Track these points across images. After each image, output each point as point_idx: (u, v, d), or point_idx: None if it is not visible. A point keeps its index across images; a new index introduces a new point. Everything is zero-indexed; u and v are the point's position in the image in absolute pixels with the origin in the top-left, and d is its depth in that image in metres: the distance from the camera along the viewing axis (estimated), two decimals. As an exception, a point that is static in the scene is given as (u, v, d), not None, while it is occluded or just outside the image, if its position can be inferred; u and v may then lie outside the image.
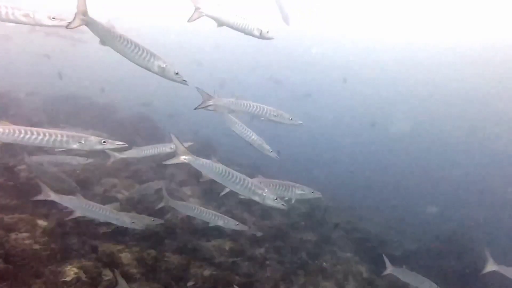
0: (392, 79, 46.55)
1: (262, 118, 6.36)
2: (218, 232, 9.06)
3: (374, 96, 43.08)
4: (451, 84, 42.81)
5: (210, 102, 5.98)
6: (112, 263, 6.42)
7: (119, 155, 8.52)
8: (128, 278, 6.28)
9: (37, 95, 15.76)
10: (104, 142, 4.79)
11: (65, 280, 5.58)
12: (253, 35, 5.68)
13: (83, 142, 4.74)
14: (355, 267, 9.49)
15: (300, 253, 9.23)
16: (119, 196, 8.71)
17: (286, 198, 6.53)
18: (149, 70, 4.55)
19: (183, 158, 5.27)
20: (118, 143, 4.85)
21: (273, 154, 7.14)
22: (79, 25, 4.20)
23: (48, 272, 5.60)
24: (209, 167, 5.44)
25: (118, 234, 7.48)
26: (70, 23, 4.26)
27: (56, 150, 5.03)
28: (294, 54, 43.07)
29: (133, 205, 8.52)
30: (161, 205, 7.24)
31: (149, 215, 8.33)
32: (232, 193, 11.67)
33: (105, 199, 8.30)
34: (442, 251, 11.81)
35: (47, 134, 4.64)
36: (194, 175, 11.49)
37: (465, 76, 42.41)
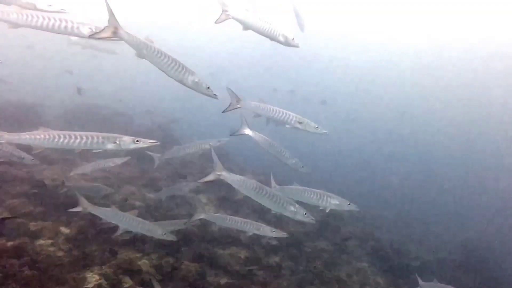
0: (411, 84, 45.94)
1: (287, 126, 6.35)
2: (233, 240, 9.14)
3: (389, 101, 42.56)
4: (473, 85, 41.91)
5: (238, 105, 5.98)
6: (131, 270, 6.54)
7: (163, 157, 8.99)
8: (145, 285, 6.41)
9: (58, 104, 16.26)
10: (137, 141, 5.01)
11: (87, 287, 5.74)
12: (278, 41, 5.71)
13: (117, 143, 4.97)
14: (372, 278, 9.40)
15: (315, 262, 9.20)
16: (137, 203, 8.88)
17: (321, 208, 6.60)
18: (183, 83, 4.73)
19: (219, 174, 5.58)
20: (150, 142, 5.06)
21: (305, 169, 7.26)
22: (108, 38, 4.37)
23: (71, 279, 5.76)
24: (243, 183, 5.72)
25: (137, 241, 7.62)
26: (96, 33, 4.46)
27: (93, 151, 5.22)
28: (305, 60, 43.14)
29: (150, 213, 8.68)
30: (195, 217, 7.22)
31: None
32: (246, 201, 11.79)
33: (124, 207, 8.48)
34: (460, 262, 11.57)
35: (84, 137, 4.90)
36: (209, 183, 11.65)
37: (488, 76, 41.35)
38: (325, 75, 47.34)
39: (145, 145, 5.07)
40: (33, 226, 6.70)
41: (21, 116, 11.43)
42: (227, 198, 10.96)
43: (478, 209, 20.50)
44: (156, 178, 10.37)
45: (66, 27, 4.88)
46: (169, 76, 4.67)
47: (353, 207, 6.71)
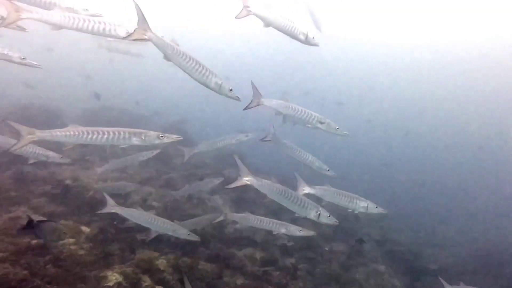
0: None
1: (308, 125, 6.32)
2: (249, 241, 9.19)
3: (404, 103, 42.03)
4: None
5: (260, 102, 5.97)
6: (150, 269, 6.66)
7: (193, 151, 9.23)
8: (164, 284, 6.52)
9: (76, 107, 16.65)
10: (161, 136, 5.18)
11: (108, 285, 5.87)
12: (299, 39, 5.68)
13: (143, 138, 5.16)
14: (389, 280, 9.29)
15: (331, 263, 9.16)
16: (155, 204, 9.03)
17: (350, 210, 6.61)
18: (206, 86, 4.84)
19: (246, 180, 5.72)
20: (175, 137, 5.23)
21: (331, 172, 7.27)
22: (139, 40, 4.52)
23: (92, 277, 5.90)
24: (269, 188, 5.85)
25: (155, 241, 7.75)
26: (129, 35, 4.60)
27: (120, 147, 5.43)
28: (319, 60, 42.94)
29: (168, 213, 8.81)
30: (220, 218, 7.43)
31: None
32: (260, 203, 11.81)
33: (143, 208, 8.63)
34: (480, 265, 11.30)
35: (112, 132, 5.10)
36: (224, 184, 11.74)
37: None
38: (340, 76, 47.01)
39: (169, 140, 5.22)
40: (28, 214, 6.87)
41: (43, 119, 11.79)
42: (242, 199, 11.03)
43: (497, 211, 19.97)
44: (173, 179, 10.52)
45: (104, 29, 5.04)
46: (193, 78, 4.78)
47: (380, 210, 6.66)
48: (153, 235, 6.73)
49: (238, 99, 5.01)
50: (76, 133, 5.06)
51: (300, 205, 5.91)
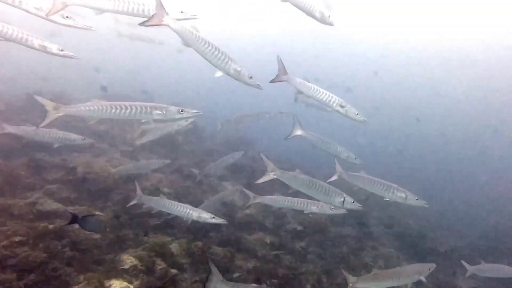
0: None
1: (328, 109, 6.18)
2: (259, 225, 9.29)
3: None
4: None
5: (284, 78, 5.84)
6: (163, 253, 6.79)
7: (225, 126, 10.33)
8: (178, 267, 6.66)
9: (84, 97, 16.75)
10: (181, 111, 5.27)
11: (124, 268, 6.01)
12: (314, 17, 5.58)
13: (164, 112, 5.23)
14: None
15: (341, 247, 9.25)
16: (166, 190, 9.12)
17: (387, 199, 6.63)
18: (226, 72, 4.81)
19: (273, 174, 6.07)
20: (194, 112, 5.31)
21: (358, 161, 7.31)
22: (157, 25, 4.52)
23: (108, 259, 6.05)
24: (294, 179, 6.16)
25: (167, 226, 7.90)
26: (146, 21, 4.57)
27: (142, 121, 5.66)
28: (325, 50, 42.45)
29: (179, 199, 8.90)
30: (250, 202, 7.57)
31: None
32: (271, 189, 11.85)
33: (153, 193, 8.74)
34: (490, 247, 11.35)
35: (134, 107, 5.18)
36: (233, 170, 11.83)
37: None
38: (348, 64, 46.44)
39: (189, 115, 5.34)
40: (70, 210, 7.01)
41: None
42: (251, 185, 11.10)
43: (506, 195, 19.93)
44: (183, 165, 10.59)
45: (143, 10, 4.95)
46: (212, 64, 4.75)
47: (421, 202, 6.54)
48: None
49: (258, 86, 4.93)
50: (100, 107, 5.11)
51: (326, 193, 6.09)
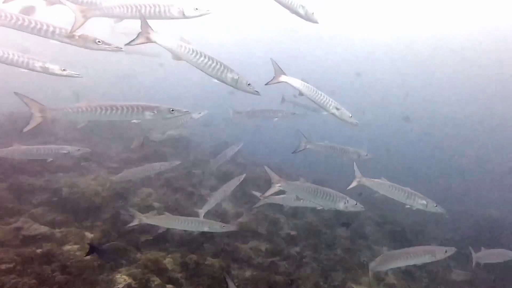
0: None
1: (324, 113, 6.19)
2: (253, 233, 9.22)
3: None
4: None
5: (282, 79, 5.76)
6: (157, 269, 6.65)
7: (238, 117, 10.31)
8: (173, 282, 6.52)
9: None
10: (172, 110, 5.20)
11: (117, 287, 5.85)
12: (298, 14, 5.59)
13: (155, 112, 5.14)
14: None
15: (336, 249, 9.25)
16: (156, 204, 8.97)
17: (407, 206, 6.78)
18: (223, 81, 4.76)
19: (278, 186, 6.27)
20: (184, 111, 5.29)
21: (369, 155, 7.72)
22: (142, 43, 4.49)
23: (101, 280, 5.87)
24: (301, 189, 6.37)
25: (159, 241, 7.73)
26: (132, 40, 4.51)
27: (132, 121, 5.39)
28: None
29: (170, 212, 8.74)
30: (272, 190, 6.83)
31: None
32: (259, 190, 11.75)
33: (143, 209, 8.59)
34: (479, 239, 11.55)
35: (125, 108, 5.03)
36: (222, 179, 11.73)
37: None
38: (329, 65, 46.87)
39: (180, 114, 5.31)
40: (58, 232, 6.82)
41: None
42: (244, 193, 11.05)
43: (497, 187, 20.43)
44: (173, 178, 10.45)
45: (160, 11, 4.93)
46: (208, 74, 4.69)
47: (440, 209, 6.72)
48: (160, 230, 6.91)
49: (257, 93, 4.92)
50: (90, 109, 4.94)
51: (330, 199, 6.24)
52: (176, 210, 8.90)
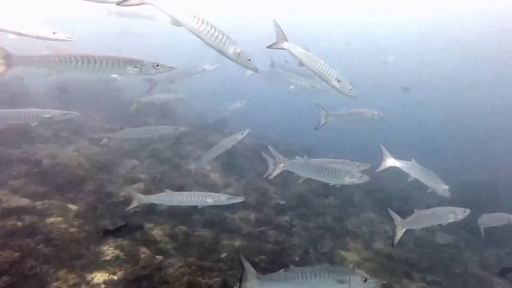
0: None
1: (324, 84, 5.95)
2: (242, 203, 9.14)
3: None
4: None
5: (284, 45, 5.40)
6: (146, 240, 6.51)
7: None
8: (163, 253, 6.41)
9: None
10: (157, 66, 4.78)
11: (106, 260, 5.69)
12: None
13: (139, 67, 4.70)
14: (380, 226, 9.61)
15: (325, 217, 9.32)
16: (142, 176, 8.72)
17: (429, 191, 7.28)
18: (223, 53, 4.35)
19: (283, 166, 6.16)
20: (170, 66, 4.88)
21: (448, 193, 7.43)
22: (139, 4, 3.99)
23: (88, 253, 5.70)
24: (307, 167, 6.26)
25: (147, 212, 7.56)
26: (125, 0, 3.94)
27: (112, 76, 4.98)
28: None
29: (156, 184, 8.56)
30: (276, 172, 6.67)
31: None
32: (251, 167, 11.70)
33: (129, 180, 8.34)
34: (470, 203, 11.93)
35: (104, 60, 4.52)
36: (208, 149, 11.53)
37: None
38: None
39: (164, 70, 4.87)
40: (40, 205, 6.53)
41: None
42: (231, 164, 10.91)
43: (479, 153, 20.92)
44: (159, 149, 10.16)
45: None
46: (208, 44, 4.25)
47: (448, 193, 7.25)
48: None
49: (256, 70, 4.59)
50: (63, 59, 4.41)
51: (335, 175, 6.19)
52: (163, 182, 8.70)
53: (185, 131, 8.73)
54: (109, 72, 4.66)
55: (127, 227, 5.89)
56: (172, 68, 4.90)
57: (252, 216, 8.66)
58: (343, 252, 8.21)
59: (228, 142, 8.48)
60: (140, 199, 6.38)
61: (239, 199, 6.44)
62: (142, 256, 6.11)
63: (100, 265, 5.58)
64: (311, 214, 9.39)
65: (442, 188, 6.98)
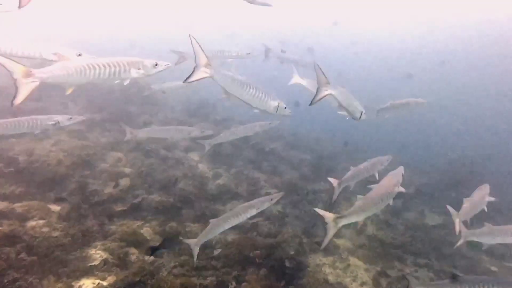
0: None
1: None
2: (232, 195, 8.94)
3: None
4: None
5: (327, 92, 5.48)
6: (135, 241, 6.23)
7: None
8: (153, 253, 6.15)
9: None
10: (156, 65, 4.91)
11: (94, 264, 5.40)
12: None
13: (141, 68, 4.79)
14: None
15: (316, 204, 9.22)
16: (127, 170, 8.34)
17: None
18: (265, 110, 4.89)
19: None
20: (166, 64, 4.98)
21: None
22: (203, 78, 4.33)
23: (74, 258, 5.39)
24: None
25: (134, 210, 7.26)
26: (190, 76, 4.31)
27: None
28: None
29: (143, 178, 8.22)
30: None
31: (161, 187, 8.11)
32: (239, 155, 11.43)
33: (113, 175, 7.96)
34: (451, 182, 12.14)
35: (112, 65, 4.57)
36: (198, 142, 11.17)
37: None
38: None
39: (162, 68, 4.97)
40: (19, 207, 6.12)
41: None
42: (219, 154, 10.60)
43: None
44: (142, 141, 9.72)
45: None
46: (253, 107, 4.89)
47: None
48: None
49: (290, 115, 5.12)
50: (78, 69, 4.34)
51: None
52: (150, 175, 8.35)
53: (211, 134, 8.50)
54: (118, 77, 4.65)
55: (166, 240, 5.81)
56: (168, 66, 5.00)
57: (244, 207, 8.45)
58: (336, 240, 8.15)
59: (252, 128, 8.54)
60: (194, 249, 5.47)
61: (281, 195, 5.89)
62: (132, 258, 5.85)
63: (87, 271, 5.28)
64: (303, 201, 9.27)
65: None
